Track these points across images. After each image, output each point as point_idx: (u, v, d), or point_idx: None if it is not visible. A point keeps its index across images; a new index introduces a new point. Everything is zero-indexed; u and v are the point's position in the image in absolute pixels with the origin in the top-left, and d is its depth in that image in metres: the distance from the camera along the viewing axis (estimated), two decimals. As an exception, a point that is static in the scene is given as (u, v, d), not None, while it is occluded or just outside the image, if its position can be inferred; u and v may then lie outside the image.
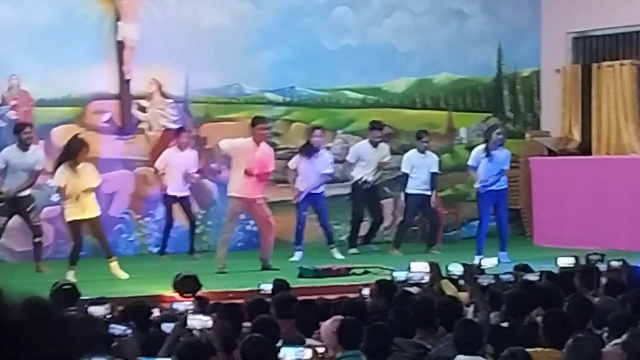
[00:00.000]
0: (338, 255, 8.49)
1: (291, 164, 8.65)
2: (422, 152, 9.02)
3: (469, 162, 8.93)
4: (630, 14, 9.44)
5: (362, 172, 9.08)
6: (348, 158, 9.09)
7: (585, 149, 10.90)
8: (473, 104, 10.91)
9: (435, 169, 8.92)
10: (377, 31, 10.61)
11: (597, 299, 4.73)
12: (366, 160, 8.96)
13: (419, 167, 9.31)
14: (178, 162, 8.55)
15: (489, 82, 11.02)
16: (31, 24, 8.90)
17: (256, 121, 7.91)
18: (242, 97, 10.06)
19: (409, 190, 9.28)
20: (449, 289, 5.55)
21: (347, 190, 9.55)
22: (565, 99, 10.99)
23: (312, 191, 8.66)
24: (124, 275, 7.22)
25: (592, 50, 11.17)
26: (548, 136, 11.24)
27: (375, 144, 8.98)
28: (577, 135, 10.94)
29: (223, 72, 10.10)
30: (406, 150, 9.66)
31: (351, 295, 5.58)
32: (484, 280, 5.28)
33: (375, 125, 9.04)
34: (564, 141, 10.89)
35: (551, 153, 10.99)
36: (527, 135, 11.16)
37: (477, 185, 8.76)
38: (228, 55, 10.01)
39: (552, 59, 11.12)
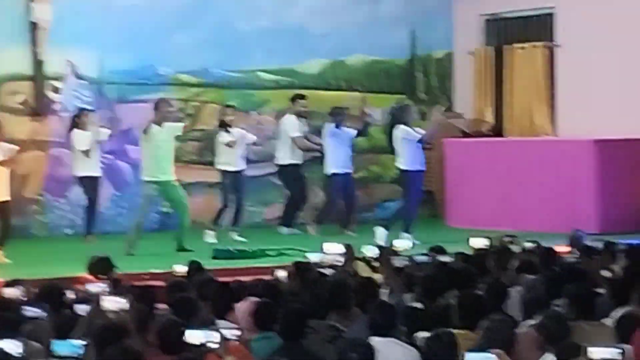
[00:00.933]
0: (237, 237, 8.66)
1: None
2: (339, 128, 9.32)
3: (412, 137, 8.90)
4: (542, -4, 9.91)
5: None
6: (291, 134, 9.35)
7: (497, 130, 11.24)
8: (386, 86, 11.20)
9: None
10: (290, 13, 10.85)
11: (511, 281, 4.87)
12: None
13: (339, 145, 9.60)
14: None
15: (402, 64, 11.34)
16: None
17: (160, 103, 8.12)
18: (156, 79, 10.28)
19: (334, 170, 9.49)
20: (364, 271, 5.61)
21: (263, 172, 9.95)
22: (478, 81, 11.37)
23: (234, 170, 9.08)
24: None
25: (504, 32, 11.50)
26: (461, 118, 11.53)
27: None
28: (489, 117, 11.28)
29: (137, 54, 10.32)
30: (319, 131, 9.97)
31: (265, 277, 5.61)
32: (398, 262, 5.37)
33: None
34: (477, 123, 11.23)
35: (464, 134, 11.27)
36: None
37: (404, 166, 8.90)
38: (142, 37, 10.23)
39: (465, 41, 11.48)
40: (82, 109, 9.22)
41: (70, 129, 9.05)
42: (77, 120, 8.89)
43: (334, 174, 9.22)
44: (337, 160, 9.25)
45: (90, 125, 8.87)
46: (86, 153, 8.70)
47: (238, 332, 3.58)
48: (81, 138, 8.82)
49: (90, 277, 5.22)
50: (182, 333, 3.40)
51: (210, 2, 10.31)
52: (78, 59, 9.81)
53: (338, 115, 9.45)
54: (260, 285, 4.96)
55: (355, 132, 9.42)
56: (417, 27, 11.50)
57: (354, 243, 6.11)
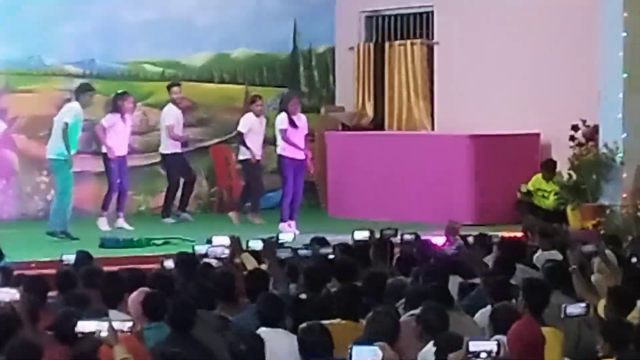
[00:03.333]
0: (122, 225, 8.93)
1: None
2: (258, 116, 9.64)
3: (281, 127, 9.23)
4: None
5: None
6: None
7: (378, 124, 11.59)
8: (270, 79, 11.56)
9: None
10: (177, 5, 11.16)
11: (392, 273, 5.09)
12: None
13: (256, 131, 9.87)
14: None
15: (285, 58, 11.76)
16: None
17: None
18: (42, 69, 10.43)
19: (248, 157, 9.81)
20: (250, 263, 5.66)
21: (148, 162, 10.23)
22: (359, 76, 11.77)
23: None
24: None
25: (384, 29, 11.85)
26: (342, 111, 11.92)
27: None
28: (370, 111, 11.64)
29: (23, 44, 10.41)
30: (205, 124, 10.68)
31: (152, 267, 5.78)
32: (282, 254, 5.49)
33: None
34: (358, 116, 11.60)
35: (345, 128, 11.61)
36: (322, 110, 11.81)
37: (283, 152, 9.29)
38: (28, 27, 10.35)
39: (346, 36, 11.94)
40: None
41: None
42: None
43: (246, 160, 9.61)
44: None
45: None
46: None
47: (129, 323, 3.53)
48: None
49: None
50: (76, 323, 3.37)
51: (97, -7, 10.87)
52: (-38, 48, 10.19)
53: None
54: (150, 275, 4.97)
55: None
56: (300, 22, 11.83)
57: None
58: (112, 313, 4.01)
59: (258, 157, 9.71)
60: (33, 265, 6.46)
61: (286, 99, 9.69)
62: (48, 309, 4.01)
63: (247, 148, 9.32)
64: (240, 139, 9.60)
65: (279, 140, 9.28)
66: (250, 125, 9.45)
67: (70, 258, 5.53)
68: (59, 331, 3.58)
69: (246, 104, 10.49)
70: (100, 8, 10.65)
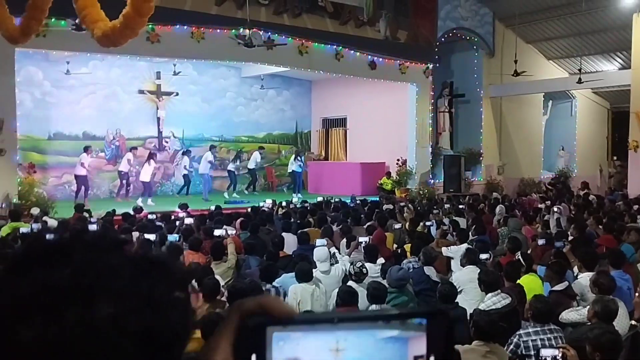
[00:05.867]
0: None
1: None
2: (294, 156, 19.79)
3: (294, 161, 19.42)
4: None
5: None
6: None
7: (326, 158, 22.35)
8: (286, 142, 22.23)
9: None
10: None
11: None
12: None
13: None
14: None
15: (293, 134, 22.25)
16: None
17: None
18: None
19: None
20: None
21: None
22: (320, 143, 22.81)
23: None
24: None
25: (329, 123, 22.68)
26: (313, 154, 22.37)
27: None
28: (323, 154, 22.67)
29: None
30: (267, 159, 20.45)
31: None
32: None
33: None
34: (319, 156, 22.50)
35: (315, 160, 21.99)
36: (306, 154, 21.21)
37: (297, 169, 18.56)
38: None
39: (316, 126, 22.87)
40: None
41: None
42: None
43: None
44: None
45: None
46: None
47: (235, 231, 8.87)
48: None
49: None
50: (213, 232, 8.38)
51: None
52: None
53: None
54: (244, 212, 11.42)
55: None
56: (299, 121, 22.75)
57: None
58: (227, 227, 9.54)
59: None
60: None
61: (297, 151, 19.78)
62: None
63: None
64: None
65: (297, 167, 19.09)
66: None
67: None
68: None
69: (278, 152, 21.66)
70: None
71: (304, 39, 17.25)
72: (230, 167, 18.44)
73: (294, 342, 0.70)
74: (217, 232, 9.47)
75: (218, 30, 15.62)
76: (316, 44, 17.61)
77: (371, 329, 0.71)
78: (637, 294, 5.94)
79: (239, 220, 11.17)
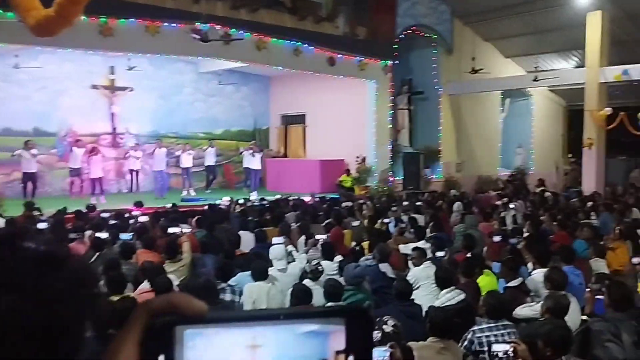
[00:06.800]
0: None
1: None
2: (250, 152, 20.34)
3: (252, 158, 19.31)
4: None
5: None
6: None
7: (285, 155, 22.29)
8: (245, 139, 21.79)
9: None
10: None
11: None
12: None
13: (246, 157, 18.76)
14: None
15: (252, 131, 21.78)
16: None
17: None
18: None
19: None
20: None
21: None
22: (279, 140, 22.61)
23: None
24: None
25: (288, 120, 22.50)
26: (272, 151, 22.34)
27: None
28: (282, 151, 22.51)
29: None
30: (223, 155, 21.00)
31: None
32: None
33: None
34: (278, 153, 22.51)
35: (274, 157, 21.75)
36: (265, 151, 20.65)
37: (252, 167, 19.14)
38: None
39: (275, 122, 22.80)
40: None
41: None
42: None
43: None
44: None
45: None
46: None
47: (190, 229, 8.76)
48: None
49: None
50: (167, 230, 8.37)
51: None
52: None
53: None
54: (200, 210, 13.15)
55: None
56: (257, 118, 22.41)
57: None
58: (183, 226, 9.48)
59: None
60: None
61: (253, 146, 19.29)
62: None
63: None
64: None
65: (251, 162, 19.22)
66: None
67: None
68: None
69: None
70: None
71: (261, 34, 17.02)
72: (185, 164, 18.10)
73: (207, 340, 0.68)
74: (171, 230, 9.29)
75: (174, 25, 15.26)
76: (274, 39, 17.38)
77: (290, 324, 0.69)
78: (588, 290, 6.00)
79: (195, 218, 11.05)
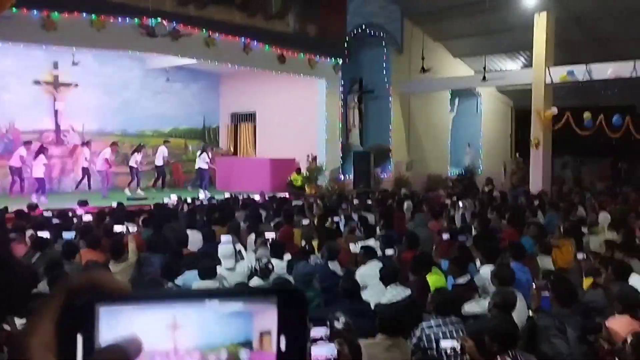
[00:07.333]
0: None
1: None
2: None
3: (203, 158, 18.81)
4: None
5: None
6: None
7: (234, 153, 22.08)
8: (195, 138, 21.62)
9: None
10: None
11: None
12: None
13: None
14: None
15: (201, 129, 21.59)
16: None
17: None
18: None
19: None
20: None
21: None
22: (228, 137, 22.32)
23: None
24: None
25: (238, 118, 22.31)
26: (222, 150, 22.26)
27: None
28: (232, 149, 22.27)
29: None
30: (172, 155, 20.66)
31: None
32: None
33: None
34: (228, 151, 22.15)
35: (224, 155, 21.50)
36: (214, 150, 20.86)
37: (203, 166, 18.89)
38: None
39: (224, 120, 22.47)
40: None
41: None
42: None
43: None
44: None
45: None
46: None
47: (136, 228, 8.63)
48: None
49: None
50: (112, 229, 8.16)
51: None
52: None
53: None
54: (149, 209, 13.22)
55: None
56: (206, 117, 22.19)
57: None
58: (129, 224, 9.33)
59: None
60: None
61: (204, 147, 19.24)
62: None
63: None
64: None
65: (203, 163, 18.24)
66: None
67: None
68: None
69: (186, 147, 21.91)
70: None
71: (210, 30, 16.74)
72: (132, 162, 17.69)
73: (125, 319, 0.66)
74: (116, 229, 9.21)
75: (120, 19, 14.89)
76: (223, 35, 17.15)
77: (214, 304, 0.68)
78: (534, 286, 6.06)
79: (141, 217, 10.96)
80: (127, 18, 15.08)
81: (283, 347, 0.68)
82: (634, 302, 5.15)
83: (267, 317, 0.68)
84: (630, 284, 5.95)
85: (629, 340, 4.26)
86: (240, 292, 0.69)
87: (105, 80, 19.50)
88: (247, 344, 0.67)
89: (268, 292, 0.69)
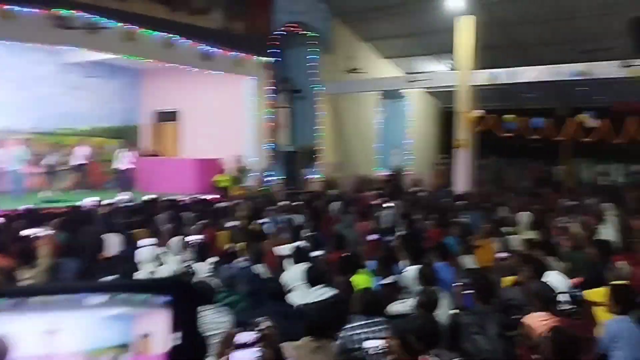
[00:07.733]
0: None
1: None
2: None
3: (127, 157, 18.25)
4: None
5: None
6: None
7: (158, 154, 21.25)
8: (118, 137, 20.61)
9: None
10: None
11: None
12: None
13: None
14: None
15: (130, 127, 20.84)
16: None
17: None
18: None
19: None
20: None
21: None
22: (154, 137, 21.40)
23: None
24: None
25: (161, 117, 21.61)
26: (145, 150, 21.45)
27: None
28: (155, 149, 21.73)
29: None
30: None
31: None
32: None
33: None
34: (152, 152, 21.32)
35: (146, 155, 20.52)
36: (138, 150, 20.63)
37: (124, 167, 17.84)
38: None
39: (145, 120, 21.73)
40: None
41: None
42: None
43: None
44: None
45: None
46: None
47: (51, 231, 7.48)
48: None
49: None
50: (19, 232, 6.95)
51: None
52: None
53: None
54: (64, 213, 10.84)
55: None
56: (129, 113, 21.12)
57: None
58: (40, 229, 8.62)
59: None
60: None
61: (124, 145, 19.63)
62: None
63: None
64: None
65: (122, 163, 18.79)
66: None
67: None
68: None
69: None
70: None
71: (130, 24, 16.11)
72: (47, 162, 16.92)
73: None
74: (25, 233, 8.79)
75: (32, 10, 14.08)
76: (144, 30, 16.52)
77: (90, 308, 0.74)
78: (455, 285, 6.10)
79: (55, 221, 10.44)
80: (40, 9, 14.19)
81: (178, 341, 0.74)
82: (550, 299, 5.28)
83: (149, 320, 0.74)
84: (547, 281, 6.06)
85: (547, 336, 4.29)
86: (132, 286, 0.73)
87: (16, 74, 18.43)
88: (127, 347, 0.74)
89: (159, 285, 0.75)
